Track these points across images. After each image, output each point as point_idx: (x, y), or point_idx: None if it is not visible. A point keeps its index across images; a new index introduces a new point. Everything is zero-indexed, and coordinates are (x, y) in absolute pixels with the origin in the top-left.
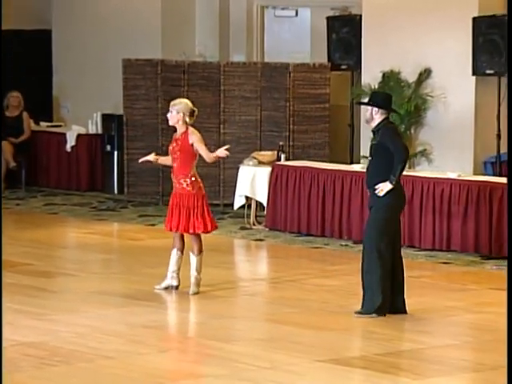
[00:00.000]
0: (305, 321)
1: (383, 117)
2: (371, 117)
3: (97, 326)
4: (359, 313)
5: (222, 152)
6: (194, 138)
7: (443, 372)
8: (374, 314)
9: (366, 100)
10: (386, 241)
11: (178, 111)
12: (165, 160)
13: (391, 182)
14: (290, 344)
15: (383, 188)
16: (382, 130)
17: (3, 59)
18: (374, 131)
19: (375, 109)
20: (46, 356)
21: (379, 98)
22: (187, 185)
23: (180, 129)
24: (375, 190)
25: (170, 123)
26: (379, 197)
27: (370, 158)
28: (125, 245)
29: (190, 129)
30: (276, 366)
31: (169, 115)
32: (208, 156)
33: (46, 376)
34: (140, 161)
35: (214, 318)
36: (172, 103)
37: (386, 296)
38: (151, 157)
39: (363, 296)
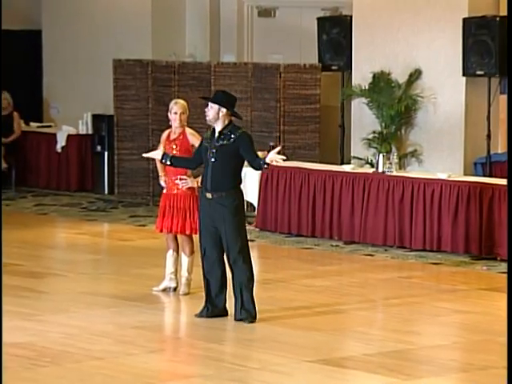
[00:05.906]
0: (294, 321)
1: (229, 119)
2: (217, 116)
3: (86, 327)
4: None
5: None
6: (196, 141)
7: (432, 372)
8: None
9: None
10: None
11: (184, 112)
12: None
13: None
14: (279, 344)
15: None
16: (239, 137)
17: None
18: (219, 132)
19: (223, 109)
20: (34, 356)
21: (225, 99)
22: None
23: (178, 130)
24: (221, 195)
25: (179, 125)
26: (226, 202)
27: (212, 161)
28: (114, 245)
29: (187, 129)
30: (264, 367)
31: (178, 117)
32: None
33: (34, 377)
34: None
35: (203, 319)
36: (180, 104)
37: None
38: (193, 182)
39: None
